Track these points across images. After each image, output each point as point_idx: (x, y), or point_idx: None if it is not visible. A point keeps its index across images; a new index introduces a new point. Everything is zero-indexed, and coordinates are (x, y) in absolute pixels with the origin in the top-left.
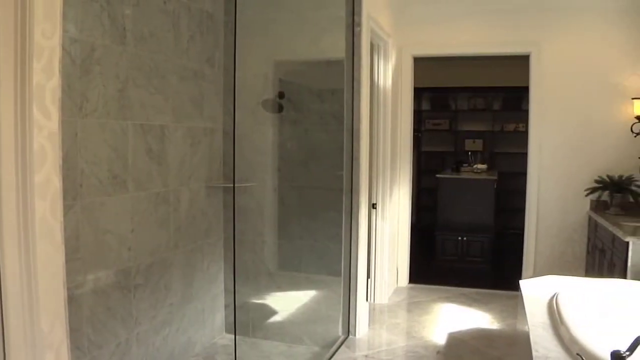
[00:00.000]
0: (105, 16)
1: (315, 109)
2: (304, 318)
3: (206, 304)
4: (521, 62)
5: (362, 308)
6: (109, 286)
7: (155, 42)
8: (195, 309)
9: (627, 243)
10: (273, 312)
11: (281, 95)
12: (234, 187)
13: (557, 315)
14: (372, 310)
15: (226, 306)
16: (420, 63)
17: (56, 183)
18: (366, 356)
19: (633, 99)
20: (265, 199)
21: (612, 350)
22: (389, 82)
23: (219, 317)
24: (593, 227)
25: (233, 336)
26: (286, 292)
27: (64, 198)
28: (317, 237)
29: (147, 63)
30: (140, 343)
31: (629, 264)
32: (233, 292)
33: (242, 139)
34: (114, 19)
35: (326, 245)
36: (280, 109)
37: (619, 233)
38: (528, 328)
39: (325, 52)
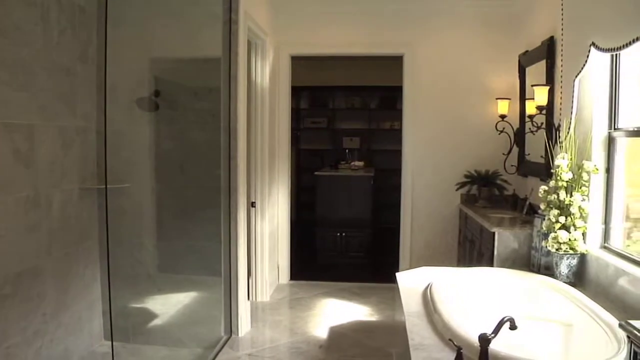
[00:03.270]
0: None
1: (192, 108)
2: (186, 320)
3: (83, 311)
4: (396, 62)
5: (243, 307)
6: None
7: (21, 35)
8: (72, 317)
9: (494, 233)
10: (154, 316)
11: (157, 93)
12: (106, 188)
13: (430, 305)
14: (254, 309)
15: (104, 312)
16: (298, 62)
17: None
18: (249, 355)
19: (497, 99)
20: (142, 200)
21: (479, 334)
22: (267, 80)
23: (97, 324)
24: (464, 219)
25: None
26: (167, 294)
27: None
28: (196, 237)
29: (11, 57)
30: (10, 358)
31: (495, 252)
32: (108, 297)
33: (116, 138)
34: None
35: (206, 246)
36: (156, 107)
37: (486, 224)
38: (405, 318)
39: (202, 49)
